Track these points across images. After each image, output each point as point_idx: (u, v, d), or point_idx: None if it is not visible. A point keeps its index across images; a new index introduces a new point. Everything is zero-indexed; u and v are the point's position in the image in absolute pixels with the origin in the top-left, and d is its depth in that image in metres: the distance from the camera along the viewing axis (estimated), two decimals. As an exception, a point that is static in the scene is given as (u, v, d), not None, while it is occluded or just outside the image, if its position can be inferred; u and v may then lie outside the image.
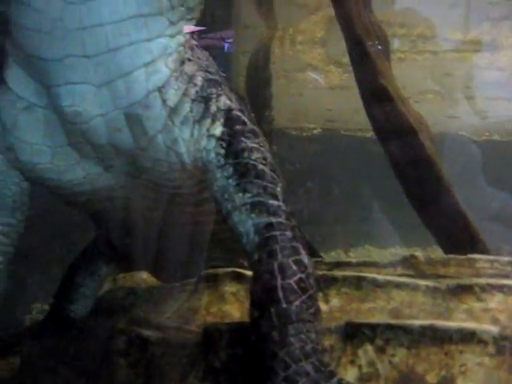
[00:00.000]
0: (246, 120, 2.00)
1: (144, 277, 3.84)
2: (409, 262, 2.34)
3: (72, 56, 1.85)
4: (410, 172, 3.13)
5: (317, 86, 6.43)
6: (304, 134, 5.58)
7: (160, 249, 2.73)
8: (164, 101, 1.94)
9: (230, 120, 1.98)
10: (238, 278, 2.22)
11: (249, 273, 2.22)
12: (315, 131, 5.63)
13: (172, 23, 1.92)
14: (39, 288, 3.75)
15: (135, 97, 1.91)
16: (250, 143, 1.94)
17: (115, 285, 3.71)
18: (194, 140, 1.98)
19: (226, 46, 5.56)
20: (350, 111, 5.86)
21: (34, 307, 3.72)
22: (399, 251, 5.57)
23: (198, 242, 2.80)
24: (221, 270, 2.23)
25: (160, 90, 1.93)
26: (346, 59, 6.46)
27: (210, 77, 2.03)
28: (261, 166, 1.91)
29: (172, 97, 1.94)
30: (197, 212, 2.48)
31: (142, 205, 2.37)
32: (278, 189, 1.90)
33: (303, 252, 1.81)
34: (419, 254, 2.38)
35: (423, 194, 3.17)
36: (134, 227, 2.57)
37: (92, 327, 2.37)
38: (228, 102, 2.01)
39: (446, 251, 3.44)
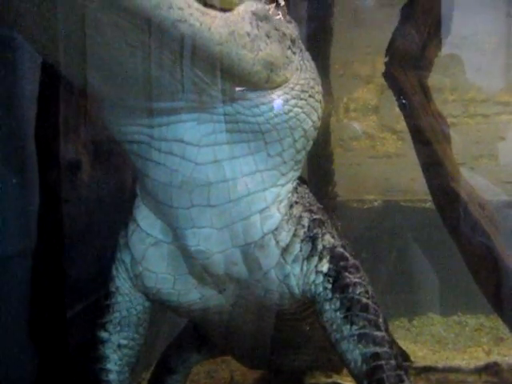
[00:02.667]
0: (348, 256, 2.26)
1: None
2: (492, 369, 2.52)
3: (198, 206, 2.12)
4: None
5: (373, 154, 6.59)
6: (365, 207, 5.74)
7: (254, 343, 2.98)
8: (277, 242, 2.20)
9: (334, 257, 2.23)
10: (340, 389, 2.44)
11: (348, 384, 2.45)
12: (376, 203, 5.79)
13: (283, 174, 2.20)
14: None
15: (252, 238, 2.18)
16: (353, 278, 2.20)
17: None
18: (304, 275, 2.22)
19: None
20: (407, 180, 5.99)
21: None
22: (462, 318, 5.69)
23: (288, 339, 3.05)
24: (322, 381, 2.45)
25: (273, 232, 2.19)
26: (400, 126, 6.70)
27: (315, 216, 2.29)
28: (364, 300, 2.16)
29: (284, 238, 2.21)
30: (295, 324, 2.73)
31: (247, 317, 2.63)
32: (381, 320, 2.14)
33: (406, 378, 2.05)
34: (501, 360, 2.56)
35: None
36: (232, 330, 2.83)
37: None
38: (332, 240, 2.28)
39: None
